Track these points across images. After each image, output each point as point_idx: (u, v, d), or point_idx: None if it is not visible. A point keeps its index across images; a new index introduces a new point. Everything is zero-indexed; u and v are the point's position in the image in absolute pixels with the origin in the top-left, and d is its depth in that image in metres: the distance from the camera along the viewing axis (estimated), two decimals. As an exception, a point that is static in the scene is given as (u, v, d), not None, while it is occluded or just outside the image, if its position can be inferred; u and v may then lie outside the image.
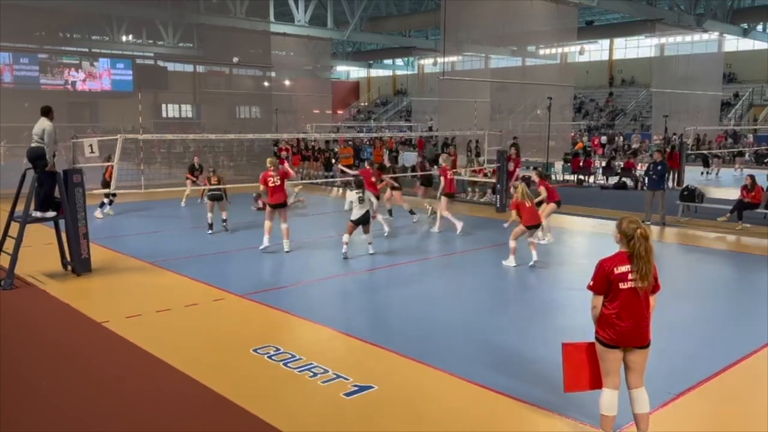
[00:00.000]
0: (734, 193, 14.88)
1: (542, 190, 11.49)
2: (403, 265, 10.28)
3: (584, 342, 4.69)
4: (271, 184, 10.93)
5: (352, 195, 10.26)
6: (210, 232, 12.85)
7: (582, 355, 4.64)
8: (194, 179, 16.55)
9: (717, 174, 24.82)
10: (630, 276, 4.35)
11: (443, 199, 12.90)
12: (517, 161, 16.61)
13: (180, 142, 24.69)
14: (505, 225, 11.02)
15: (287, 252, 11.01)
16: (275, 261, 10.81)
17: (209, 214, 12.89)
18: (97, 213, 14.49)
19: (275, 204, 11.02)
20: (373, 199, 10.56)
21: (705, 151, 26.27)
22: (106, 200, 14.80)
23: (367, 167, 13.23)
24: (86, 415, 5.20)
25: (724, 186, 21.10)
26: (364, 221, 10.40)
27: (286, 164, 15.31)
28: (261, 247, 11.03)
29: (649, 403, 4.55)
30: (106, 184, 13.91)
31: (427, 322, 7.52)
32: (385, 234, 12.42)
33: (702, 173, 24.48)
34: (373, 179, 12.63)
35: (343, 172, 15.36)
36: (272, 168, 11.12)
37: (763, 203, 13.57)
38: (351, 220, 10.36)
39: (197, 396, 5.49)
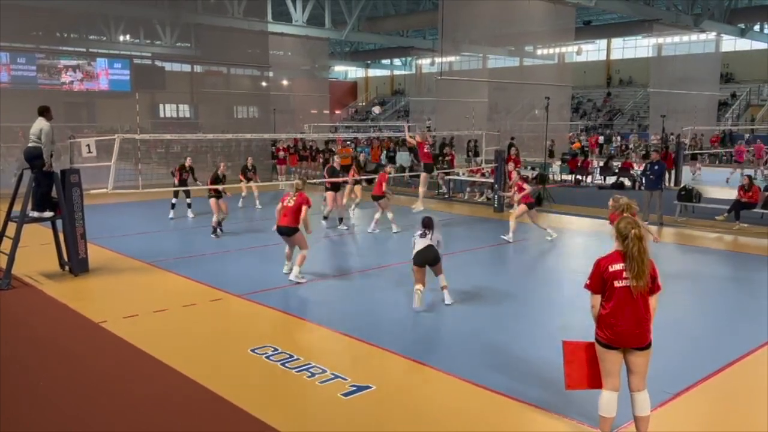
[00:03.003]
0: (730, 193, 14.90)
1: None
2: (401, 265, 10.25)
3: (585, 341, 4.71)
4: (285, 203, 9.20)
5: (416, 236, 8.01)
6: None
7: (582, 353, 4.65)
8: (246, 180, 16.53)
9: (694, 176, 24.76)
10: (624, 274, 4.37)
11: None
12: (517, 162, 16.62)
13: (177, 142, 24.71)
14: None
15: (290, 279, 9.19)
16: (273, 262, 10.78)
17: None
18: (189, 213, 14.94)
19: (278, 227, 9.25)
20: (439, 237, 8.03)
21: (695, 151, 26.25)
22: (188, 201, 15.11)
23: (387, 169, 14.20)
24: (84, 415, 5.20)
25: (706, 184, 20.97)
26: (428, 260, 7.82)
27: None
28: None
29: (650, 406, 4.55)
30: (182, 183, 14.38)
31: (425, 322, 7.52)
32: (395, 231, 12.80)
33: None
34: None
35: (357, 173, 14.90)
36: (293, 192, 9.32)
37: (760, 203, 13.60)
38: (413, 263, 7.87)
39: (195, 396, 5.49)
